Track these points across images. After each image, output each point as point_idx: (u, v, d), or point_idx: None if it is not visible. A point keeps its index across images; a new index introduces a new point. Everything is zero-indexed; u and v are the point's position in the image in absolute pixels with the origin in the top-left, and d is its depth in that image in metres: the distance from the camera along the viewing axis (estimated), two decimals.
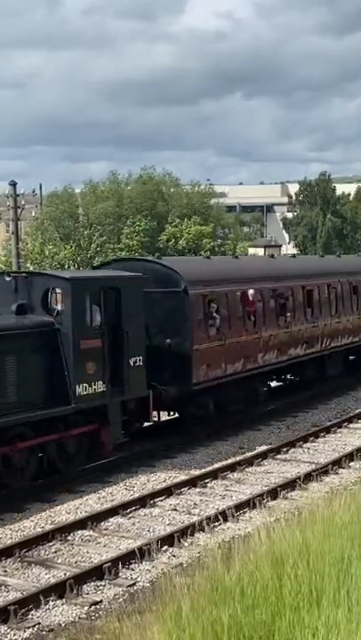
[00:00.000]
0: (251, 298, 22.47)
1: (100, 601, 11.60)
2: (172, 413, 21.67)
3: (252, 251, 67.03)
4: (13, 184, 47.81)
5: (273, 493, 16.32)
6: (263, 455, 19.55)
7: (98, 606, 11.45)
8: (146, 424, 20.20)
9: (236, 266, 25.26)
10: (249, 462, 18.92)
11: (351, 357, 30.51)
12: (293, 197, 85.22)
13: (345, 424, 23.13)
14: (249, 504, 15.66)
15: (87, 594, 11.84)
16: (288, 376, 26.98)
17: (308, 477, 17.44)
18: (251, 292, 22.49)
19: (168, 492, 16.64)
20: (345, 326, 28.44)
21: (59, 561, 13.13)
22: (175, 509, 15.76)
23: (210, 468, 18.39)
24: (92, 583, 12.14)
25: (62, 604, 11.47)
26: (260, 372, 23.26)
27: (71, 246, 57.21)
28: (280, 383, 27.34)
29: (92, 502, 16.21)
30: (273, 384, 26.83)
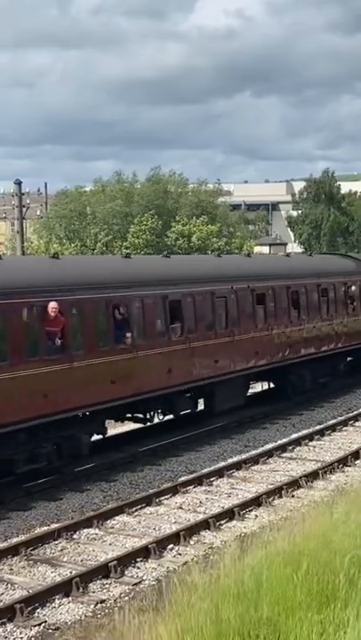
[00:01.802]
0: (52, 313, 16.42)
1: (106, 599, 11.60)
2: None
3: (257, 249, 66.99)
4: (18, 183, 47.90)
5: (279, 492, 16.31)
6: (269, 453, 19.53)
7: (104, 604, 11.45)
8: None
9: (44, 270, 17.84)
10: (255, 460, 18.91)
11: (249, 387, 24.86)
12: (297, 195, 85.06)
13: (351, 422, 23.09)
14: (255, 502, 15.66)
15: (93, 592, 11.84)
16: (144, 415, 20.20)
17: (314, 475, 17.42)
18: (52, 305, 16.39)
19: (174, 490, 16.64)
20: (241, 348, 22.29)
21: (65, 559, 13.13)
22: (181, 508, 15.76)
23: (216, 467, 18.38)
24: (98, 581, 12.14)
25: (68, 603, 11.48)
26: (75, 415, 17.35)
27: (76, 245, 57.18)
28: (136, 425, 21.23)
29: (97, 500, 16.22)
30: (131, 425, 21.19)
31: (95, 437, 18.74)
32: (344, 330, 27.84)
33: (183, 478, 17.52)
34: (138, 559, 12.92)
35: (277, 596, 8.57)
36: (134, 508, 15.52)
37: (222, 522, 14.62)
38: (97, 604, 11.43)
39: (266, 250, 66.52)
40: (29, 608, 11.11)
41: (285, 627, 8.12)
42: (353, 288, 28.40)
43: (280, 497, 16.15)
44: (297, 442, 20.70)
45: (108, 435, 19.64)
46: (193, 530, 14.07)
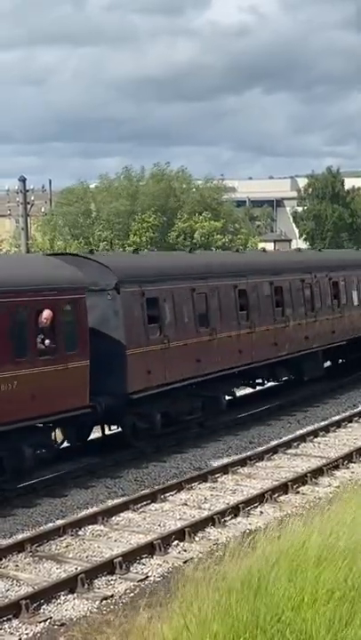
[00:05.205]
0: None
1: (112, 595, 11.61)
2: None
3: (262, 246, 66.97)
4: (23, 180, 47.93)
5: (284, 488, 16.31)
6: (274, 450, 19.53)
7: (109, 601, 11.47)
8: None
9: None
10: (259, 457, 18.91)
11: None
12: (302, 191, 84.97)
13: (356, 418, 23.07)
14: (260, 499, 15.66)
15: (98, 588, 11.85)
16: None
17: (318, 472, 17.43)
18: None
19: (179, 486, 16.64)
20: None
21: (70, 555, 13.15)
22: (186, 504, 15.77)
23: (220, 463, 18.38)
24: (104, 578, 12.15)
25: (73, 599, 11.49)
26: None
27: (80, 242, 57.17)
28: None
29: (102, 497, 16.23)
30: None
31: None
32: (23, 392, 15.45)
33: (188, 475, 17.52)
34: (143, 555, 12.93)
35: (286, 591, 8.57)
36: (139, 505, 15.53)
37: (227, 518, 14.63)
38: (102, 600, 11.45)
39: (270, 246, 66.43)
40: (35, 604, 11.12)
41: (294, 622, 8.12)
42: (45, 315, 16.13)
43: (285, 493, 16.16)
44: (302, 438, 20.69)
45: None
46: (198, 526, 14.08)
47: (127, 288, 18.39)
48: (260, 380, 24.78)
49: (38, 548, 13.35)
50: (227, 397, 22.42)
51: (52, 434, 17.25)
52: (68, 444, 18.38)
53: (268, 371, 24.23)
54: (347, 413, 23.66)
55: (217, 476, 17.47)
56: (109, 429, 19.42)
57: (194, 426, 21.23)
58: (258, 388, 25.03)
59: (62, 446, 18.15)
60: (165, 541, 13.32)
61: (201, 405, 21.18)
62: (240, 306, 22.32)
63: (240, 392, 24.69)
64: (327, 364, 28.74)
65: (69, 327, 16.77)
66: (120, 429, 19.28)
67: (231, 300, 21.99)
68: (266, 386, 25.65)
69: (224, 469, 17.85)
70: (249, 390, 25.42)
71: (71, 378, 16.49)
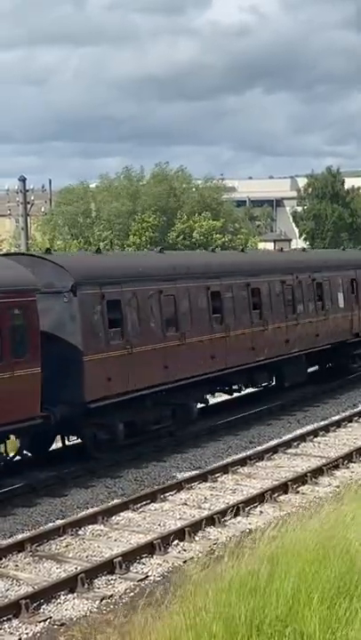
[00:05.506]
0: None
1: (112, 595, 11.63)
2: None
3: (262, 245, 66.96)
4: (23, 179, 47.95)
5: (284, 488, 16.32)
6: (274, 450, 19.53)
7: (109, 600, 11.48)
8: None
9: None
10: (259, 457, 18.92)
11: None
12: (302, 191, 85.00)
13: (355, 418, 23.08)
14: (260, 498, 15.66)
15: (98, 588, 11.86)
16: None
17: (318, 472, 17.43)
18: None
19: (178, 486, 16.65)
20: None
21: (70, 555, 13.16)
22: (186, 504, 15.77)
23: (220, 463, 18.39)
24: (104, 577, 12.16)
25: (73, 599, 11.50)
26: None
27: (80, 241, 57.17)
28: None
29: (102, 497, 16.24)
30: None
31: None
32: None
33: (188, 474, 17.53)
34: (143, 555, 12.94)
35: (285, 591, 8.58)
36: (139, 505, 15.54)
37: (227, 518, 14.64)
38: (102, 599, 11.46)
39: (270, 246, 66.44)
40: (35, 604, 11.14)
41: (293, 621, 8.13)
42: None
43: (285, 493, 16.16)
44: (302, 438, 20.70)
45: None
46: (198, 526, 14.09)
47: (85, 290, 17.41)
48: (236, 387, 23.52)
49: (38, 548, 13.36)
50: (199, 405, 21.67)
51: (1, 445, 16.21)
52: (19, 457, 17.25)
53: (246, 376, 23.13)
54: (347, 413, 23.67)
55: (217, 475, 17.48)
56: (68, 440, 18.67)
57: (164, 435, 20.34)
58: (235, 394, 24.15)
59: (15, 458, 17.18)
60: (165, 541, 13.33)
61: (171, 414, 20.29)
62: (213, 308, 21.38)
63: (220, 398, 24.42)
64: (315, 368, 28.23)
65: (18, 332, 15.63)
66: (79, 440, 18.43)
67: (203, 302, 21.04)
68: (244, 392, 24.53)
69: (224, 469, 17.86)
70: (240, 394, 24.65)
71: (19, 386, 15.32)
